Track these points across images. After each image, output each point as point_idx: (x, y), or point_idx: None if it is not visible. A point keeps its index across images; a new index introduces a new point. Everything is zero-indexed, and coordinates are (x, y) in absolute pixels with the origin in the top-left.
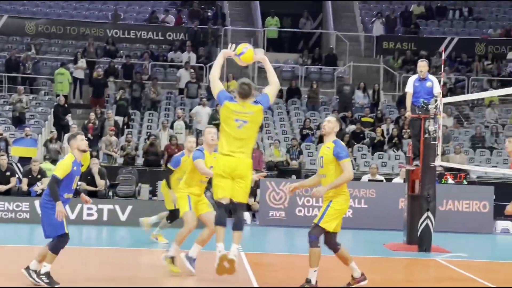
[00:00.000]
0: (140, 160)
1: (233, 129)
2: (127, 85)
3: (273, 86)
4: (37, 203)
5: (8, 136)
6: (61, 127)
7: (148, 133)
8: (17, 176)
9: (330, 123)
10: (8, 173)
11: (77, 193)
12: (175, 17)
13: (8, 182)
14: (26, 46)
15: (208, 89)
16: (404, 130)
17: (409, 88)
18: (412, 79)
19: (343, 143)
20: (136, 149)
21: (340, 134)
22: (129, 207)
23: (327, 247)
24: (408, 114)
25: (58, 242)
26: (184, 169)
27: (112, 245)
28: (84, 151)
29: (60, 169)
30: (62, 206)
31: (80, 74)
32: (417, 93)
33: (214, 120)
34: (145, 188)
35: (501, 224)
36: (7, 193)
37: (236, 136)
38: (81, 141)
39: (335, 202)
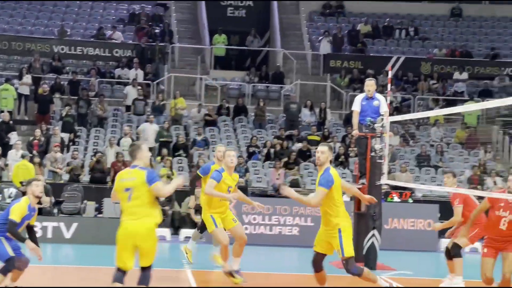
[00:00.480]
0: (86, 177)
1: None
2: (73, 102)
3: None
4: None
5: None
6: (4, 145)
7: (95, 150)
8: None
9: (324, 154)
10: None
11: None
12: (123, 34)
13: None
14: None
15: (154, 106)
16: (350, 149)
17: (355, 107)
18: (359, 97)
19: (332, 172)
20: (82, 166)
21: (287, 152)
22: (74, 225)
23: (312, 265)
24: (355, 132)
25: (6, 265)
26: (226, 181)
27: (55, 263)
28: (38, 197)
29: (17, 213)
30: (31, 243)
31: (25, 90)
32: (364, 111)
33: (161, 137)
34: (91, 205)
35: (445, 242)
36: None
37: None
38: (36, 187)
39: (344, 230)
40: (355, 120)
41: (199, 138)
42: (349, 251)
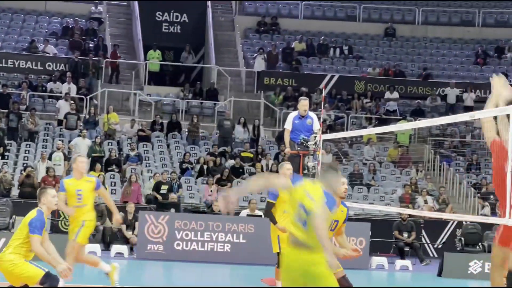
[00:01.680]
0: (15, 192)
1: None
2: (4, 115)
3: None
4: None
5: None
6: None
7: (25, 164)
8: None
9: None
10: None
11: None
12: (56, 48)
13: None
14: None
15: (87, 121)
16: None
17: (287, 125)
18: (292, 116)
19: None
20: (12, 180)
21: (220, 169)
22: (3, 240)
23: None
24: (287, 150)
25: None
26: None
27: None
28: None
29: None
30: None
31: None
32: (297, 130)
33: (93, 152)
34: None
35: (376, 260)
36: None
37: None
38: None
39: None
40: (286, 138)
41: (132, 154)
42: None
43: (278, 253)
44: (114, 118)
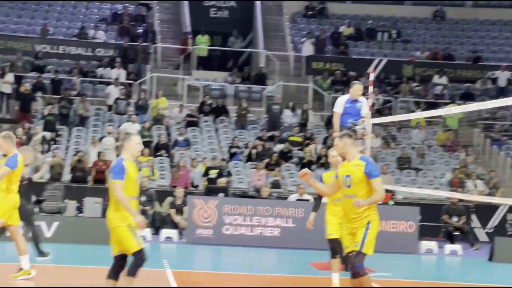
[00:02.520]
0: (67, 176)
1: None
2: (56, 101)
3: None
4: None
5: None
6: None
7: (76, 149)
8: None
9: (340, 142)
10: None
11: None
12: (105, 34)
13: None
14: None
15: (137, 106)
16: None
17: (337, 108)
18: (343, 99)
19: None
20: (62, 165)
21: (268, 153)
22: (55, 224)
23: (351, 271)
24: (336, 134)
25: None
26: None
27: (35, 262)
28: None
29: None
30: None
31: (7, 89)
32: (347, 114)
33: (142, 137)
34: (72, 204)
35: (425, 244)
36: None
37: None
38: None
39: (374, 224)
40: (336, 121)
41: (181, 139)
42: (368, 248)
43: (334, 241)
44: (163, 103)
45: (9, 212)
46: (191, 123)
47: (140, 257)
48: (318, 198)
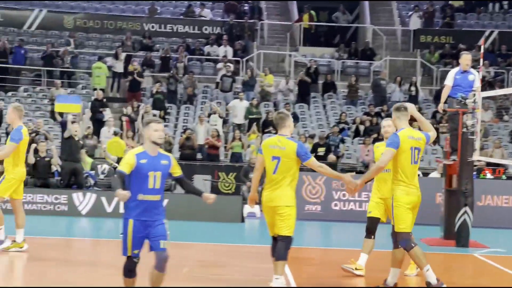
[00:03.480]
0: (176, 154)
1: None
2: (164, 79)
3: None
4: (75, 196)
5: (47, 130)
6: (98, 122)
7: (184, 127)
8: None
9: (390, 127)
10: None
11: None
12: (212, 11)
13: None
14: (65, 41)
15: (245, 83)
16: (441, 124)
17: (448, 81)
18: (453, 71)
19: (400, 134)
20: (171, 143)
21: (376, 129)
22: (165, 201)
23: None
24: (440, 106)
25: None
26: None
27: None
28: (155, 143)
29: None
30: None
31: (119, 69)
32: (458, 86)
33: (250, 114)
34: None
35: None
36: (46, 185)
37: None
38: (154, 131)
39: (395, 199)
40: (444, 94)
41: None
42: (399, 225)
43: (370, 220)
44: (269, 80)
45: (15, 185)
46: (299, 99)
47: (291, 240)
48: None
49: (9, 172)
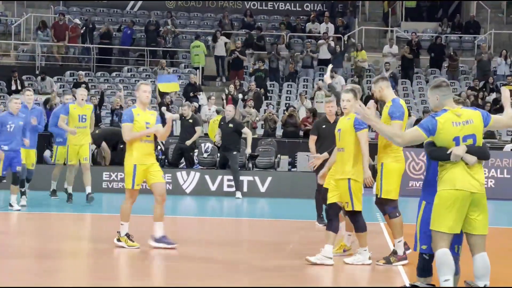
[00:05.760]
0: (279, 131)
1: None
2: (266, 57)
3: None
4: (179, 174)
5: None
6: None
7: (287, 104)
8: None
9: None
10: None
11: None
12: None
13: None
14: (166, 20)
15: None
16: None
17: None
18: None
19: (402, 102)
20: (275, 120)
21: (483, 103)
22: (269, 179)
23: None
24: None
25: None
26: None
27: (252, 216)
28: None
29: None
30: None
31: (221, 52)
32: None
33: None
34: (284, 160)
35: None
36: None
37: None
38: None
39: (384, 166)
40: None
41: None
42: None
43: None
44: (362, 56)
45: None
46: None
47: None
48: None
49: None
